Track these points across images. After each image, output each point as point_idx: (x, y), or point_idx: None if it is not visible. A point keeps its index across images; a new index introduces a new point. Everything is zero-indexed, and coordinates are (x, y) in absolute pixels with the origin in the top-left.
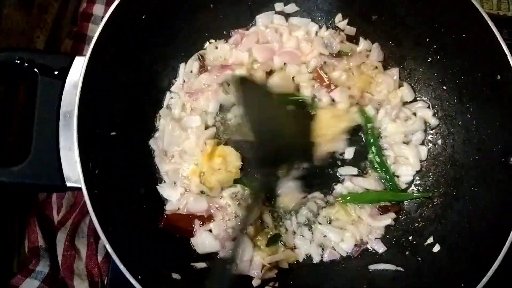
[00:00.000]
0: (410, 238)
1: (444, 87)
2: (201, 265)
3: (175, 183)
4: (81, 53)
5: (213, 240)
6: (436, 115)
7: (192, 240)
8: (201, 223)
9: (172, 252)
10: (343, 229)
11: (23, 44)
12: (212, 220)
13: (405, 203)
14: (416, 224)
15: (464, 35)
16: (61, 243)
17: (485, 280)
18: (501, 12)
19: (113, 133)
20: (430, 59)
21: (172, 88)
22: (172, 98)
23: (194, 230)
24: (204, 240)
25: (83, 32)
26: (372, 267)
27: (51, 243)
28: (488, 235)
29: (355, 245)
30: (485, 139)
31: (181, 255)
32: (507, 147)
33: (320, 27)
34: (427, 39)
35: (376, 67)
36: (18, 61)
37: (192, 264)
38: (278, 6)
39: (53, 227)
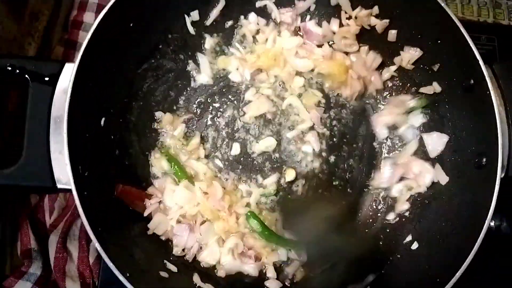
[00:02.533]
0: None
1: (421, 91)
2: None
3: None
4: (72, 59)
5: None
6: None
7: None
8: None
9: (160, 252)
10: None
11: (15, 50)
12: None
13: None
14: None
15: (439, 41)
16: (53, 245)
17: (458, 274)
18: (481, 18)
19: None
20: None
21: None
22: None
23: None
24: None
25: (74, 39)
26: None
27: (43, 246)
28: (462, 232)
29: None
30: (460, 141)
31: (168, 254)
32: (480, 148)
33: None
34: (405, 45)
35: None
36: (10, 68)
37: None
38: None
39: (45, 230)
